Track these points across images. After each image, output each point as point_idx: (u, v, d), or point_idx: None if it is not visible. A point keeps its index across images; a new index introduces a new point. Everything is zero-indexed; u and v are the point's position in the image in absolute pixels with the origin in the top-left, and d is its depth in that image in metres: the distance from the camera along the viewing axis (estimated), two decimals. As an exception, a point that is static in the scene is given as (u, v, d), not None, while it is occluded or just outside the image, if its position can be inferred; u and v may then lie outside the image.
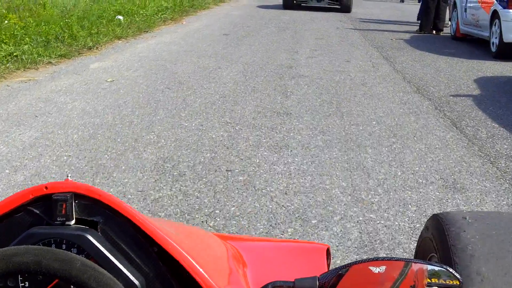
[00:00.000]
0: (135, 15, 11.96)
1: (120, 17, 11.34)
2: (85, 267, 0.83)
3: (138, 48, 8.61)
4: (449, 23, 13.42)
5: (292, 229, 2.87)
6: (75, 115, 4.80)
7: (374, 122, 4.87)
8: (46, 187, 0.96)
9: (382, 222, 2.98)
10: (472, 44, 10.20)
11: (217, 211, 3.05)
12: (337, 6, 16.27)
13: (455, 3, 11.20)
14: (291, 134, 4.47)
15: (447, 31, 11.97)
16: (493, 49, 8.84)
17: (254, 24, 12.49)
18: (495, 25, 8.79)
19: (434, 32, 11.84)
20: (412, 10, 18.28)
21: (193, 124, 4.65)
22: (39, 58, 7.03)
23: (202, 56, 8.04)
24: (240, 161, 3.83)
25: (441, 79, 6.95)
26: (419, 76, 7.13)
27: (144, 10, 12.60)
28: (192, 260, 0.98)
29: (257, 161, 3.84)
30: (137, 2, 13.25)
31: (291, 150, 4.08)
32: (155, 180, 3.44)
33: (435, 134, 4.62)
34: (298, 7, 16.39)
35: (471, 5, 10.04)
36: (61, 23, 8.70)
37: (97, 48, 8.35)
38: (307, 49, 9.10)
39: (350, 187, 3.44)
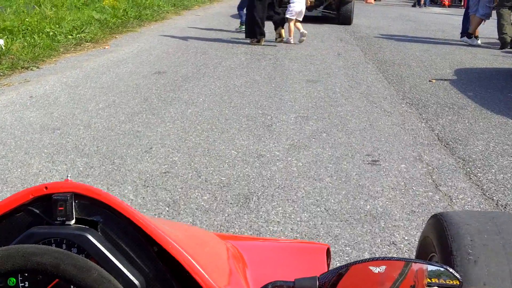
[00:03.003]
0: (34, 35, 7.46)
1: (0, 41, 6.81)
2: (101, 279, 0.77)
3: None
4: (475, 41, 9.03)
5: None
6: None
7: None
8: (46, 187, 0.90)
9: None
10: None
11: None
12: (334, 16, 11.65)
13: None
14: None
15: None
16: None
17: (215, 47, 7.99)
18: None
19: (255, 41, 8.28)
20: (425, 20, 13.69)
21: None
22: None
23: (58, 153, 3.54)
24: None
25: None
26: None
27: (55, 27, 8.08)
28: (192, 260, 0.92)
29: None
30: (49, 14, 8.71)
31: None
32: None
33: None
34: (284, 18, 11.84)
35: None
36: None
37: None
38: (291, 116, 4.63)
39: None
